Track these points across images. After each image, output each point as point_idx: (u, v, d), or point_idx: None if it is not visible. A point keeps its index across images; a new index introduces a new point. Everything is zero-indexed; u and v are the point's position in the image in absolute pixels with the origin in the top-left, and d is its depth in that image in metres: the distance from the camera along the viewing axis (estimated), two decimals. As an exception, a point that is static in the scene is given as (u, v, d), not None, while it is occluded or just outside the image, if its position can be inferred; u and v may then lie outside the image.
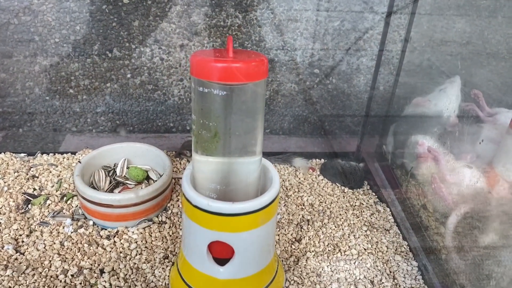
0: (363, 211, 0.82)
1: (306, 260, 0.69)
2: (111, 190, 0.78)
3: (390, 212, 0.82)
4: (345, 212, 0.81)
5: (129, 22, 0.93)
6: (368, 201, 0.85)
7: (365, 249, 0.72)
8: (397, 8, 0.93)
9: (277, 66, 1.02)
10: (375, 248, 0.73)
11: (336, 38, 1.00)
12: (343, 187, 0.89)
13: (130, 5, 0.91)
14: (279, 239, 0.74)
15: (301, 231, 0.76)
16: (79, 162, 0.77)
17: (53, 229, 0.72)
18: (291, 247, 0.72)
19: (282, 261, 0.69)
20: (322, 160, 0.99)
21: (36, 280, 0.62)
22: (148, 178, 0.82)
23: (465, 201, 0.75)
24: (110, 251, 0.68)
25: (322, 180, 0.91)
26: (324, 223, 0.78)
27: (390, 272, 0.68)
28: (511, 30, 1.02)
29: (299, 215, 0.80)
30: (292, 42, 0.99)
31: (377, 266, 0.69)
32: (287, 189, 0.87)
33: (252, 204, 0.51)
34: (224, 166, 0.53)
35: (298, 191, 0.86)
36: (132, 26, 0.94)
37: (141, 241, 0.70)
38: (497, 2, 0.94)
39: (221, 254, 0.56)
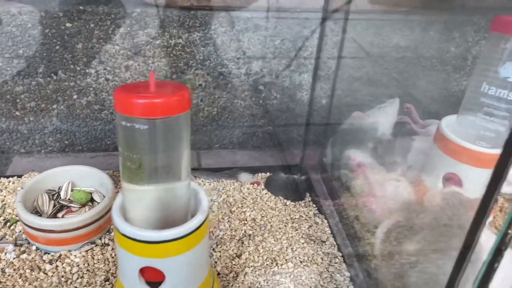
0: (302, 224, 0.86)
1: (244, 276, 0.72)
2: (55, 214, 0.79)
3: (328, 224, 0.87)
4: (285, 226, 0.85)
5: (73, 45, 0.95)
6: (308, 213, 0.90)
7: (301, 262, 0.76)
8: (332, 24, 0.97)
9: (223, 84, 1.05)
10: (310, 260, 0.77)
11: (278, 56, 1.04)
12: (285, 200, 0.93)
13: (73, 28, 0.93)
14: (220, 256, 0.77)
15: (242, 246, 0.79)
16: (21, 188, 0.78)
17: (-6, 256, 0.73)
18: (232, 262, 0.75)
19: (222, 277, 0.72)
20: (268, 174, 1.02)
21: (-26, 309, 0.63)
22: (92, 200, 0.84)
23: (393, 213, 0.80)
24: (52, 276, 0.69)
25: (266, 194, 0.95)
26: (264, 237, 0.82)
27: (324, 283, 0.72)
28: (442, 44, 1.09)
29: (241, 230, 0.83)
30: (236, 60, 1.02)
31: (311, 278, 0.73)
32: (231, 204, 0.90)
33: (179, 230, 0.54)
34: (152, 194, 0.56)
35: (242, 206, 0.90)
36: (76, 48, 0.95)
37: (83, 264, 0.72)
38: (428, 19, 1.00)
39: (154, 277, 0.58)
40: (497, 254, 0.39)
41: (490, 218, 0.83)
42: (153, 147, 0.52)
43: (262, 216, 0.87)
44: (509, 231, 0.40)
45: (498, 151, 0.73)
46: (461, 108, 0.80)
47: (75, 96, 1.01)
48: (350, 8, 0.91)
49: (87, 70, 0.98)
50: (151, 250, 0.54)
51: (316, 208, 0.92)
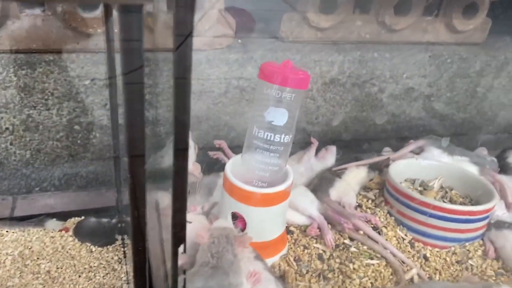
0: (98, 272, 0.84)
1: None
2: None
3: (126, 270, 0.86)
4: (79, 276, 0.83)
5: None
6: (110, 259, 0.88)
7: (83, 316, 0.74)
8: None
9: (33, 126, 1.01)
10: (94, 313, 0.75)
11: (90, 95, 1.02)
12: (92, 247, 0.91)
13: None
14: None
15: (25, 304, 0.75)
16: None
17: None
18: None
19: None
20: (82, 218, 0.99)
21: None
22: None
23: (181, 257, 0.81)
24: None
25: (71, 241, 0.92)
26: (54, 292, 0.78)
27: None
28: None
29: (32, 285, 0.80)
30: (45, 102, 0.99)
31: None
32: (26, 257, 0.86)
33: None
34: None
35: (38, 258, 0.86)
36: None
37: None
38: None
39: None
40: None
41: (284, 251, 0.86)
42: None
43: (58, 268, 0.84)
44: None
45: (268, 191, 0.76)
46: (243, 149, 0.84)
47: None
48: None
49: None
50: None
51: (123, 252, 0.90)
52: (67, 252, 0.89)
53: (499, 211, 1.01)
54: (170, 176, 0.45)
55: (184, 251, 0.44)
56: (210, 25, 1.04)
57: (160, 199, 0.86)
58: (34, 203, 1.05)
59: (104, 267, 0.86)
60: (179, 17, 0.30)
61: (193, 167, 0.96)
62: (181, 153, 0.40)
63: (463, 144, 1.34)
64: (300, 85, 0.78)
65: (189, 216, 0.84)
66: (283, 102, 0.77)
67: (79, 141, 1.07)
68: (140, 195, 0.40)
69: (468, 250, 0.92)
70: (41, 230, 0.94)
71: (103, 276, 0.84)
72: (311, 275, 0.83)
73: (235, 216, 0.83)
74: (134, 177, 0.39)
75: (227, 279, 0.67)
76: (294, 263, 0.85)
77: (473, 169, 1.11)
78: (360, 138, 1.32)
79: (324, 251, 0.88)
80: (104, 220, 0.97)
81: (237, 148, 1.04)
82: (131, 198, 0.40)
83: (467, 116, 1.42)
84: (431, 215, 0.89)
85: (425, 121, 1.37)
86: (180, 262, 0.78)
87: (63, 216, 0.98)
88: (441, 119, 1.39)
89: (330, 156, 1.10)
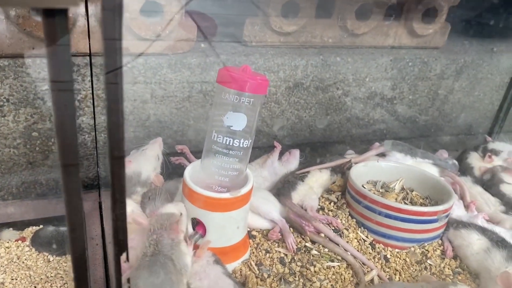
0: (56, 282, 0.82)
1: None
2: None
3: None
4: (34, 287, 0.80)
5: None
6: (69, 268, 0.86)
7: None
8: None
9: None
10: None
11: (47, 102, 1.00)
12: (49, 256, 0.88)
13: None
14: None
15: (-24, 318, 0.73)
16: None
17: None
18: None
19: None
20: (40, 227, 0.97)
21: None
22: None
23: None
24: None
25: (28, 251, 0.89)
26: (8, 304, 0.76)
27: None
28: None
29: (-16, 297, 0.77)
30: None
31: None
32: (-22, 269, 0.83)
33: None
34: None
35: (-9, 270, 0.83)
36: None
37: None
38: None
39: None
40: None
41: (246, 256, 0.86)
42: None
43: (12, 279, 0.82)
44: None
45: (227, 196, 0.76)
46: (203, 154, 0.83)
47: None
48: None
49: None
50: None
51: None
52: (22, 262, 0.87)
53: (458, 211, 1.03)
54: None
55: (127, 259, 0.44)
56: (171, 29, 1.03)
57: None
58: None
59: (61, 276, 0.84)
60: (106, 20, 0.30)
61: (155, 178, 0.95)
62: (117, 161, 0.39)
63: (426, 146, 1.37)
64: (258, 90, 0.78)
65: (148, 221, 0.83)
66: (241, 107, 0.77)
67: (37, 148, 1.05)
68: (76, 203, 0.39)
69: (427, 250, 0.93)
70: (-4, 241, 0.91)
71: (60, 286, 0.82)
72: (273, 279, 0.83)
73: (195, 222, 0.82)
74: (68, 186, 0.38)
75: (171, 262, 0.67)
76: (256, 268, 0.85)
77: (434, 171, 1.13)
78: (325, 141, 1.34)
79: (286, 255, 0.88)
80: (63, 228, 0.94)
81: (201, 153, 1.03)
82: (67, 207, 0.39)
83: (429, 118, 1.45)
84: (390, 216, 0.90)
85: (388, 123, 1.39)
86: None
87: (20, 225, 0.96)
88: (404, 121, 1.42)
89: (293, 159, 1.10)
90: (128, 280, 0.53)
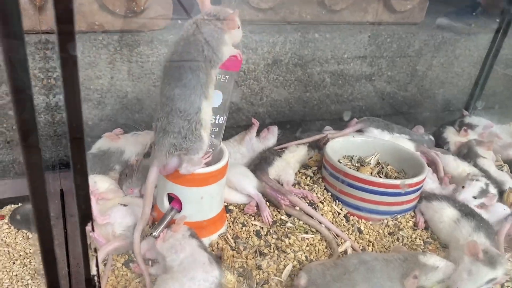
0: (34, 258, 0.83)
1: None
2: None
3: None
4: (13, 263, 0.82)
5: None
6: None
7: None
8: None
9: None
10: (28, 299, 0.75)
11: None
12: (28, 233, 0.89)
13: None
14: None
15: (-46, 293, 0.74)
16: None
17: None
18: None
19: None
20: (19, 205, 0.98)
21: None
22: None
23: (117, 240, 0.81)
24: None
25: (7, 229, 0.90)
26: (-13, 279, 0.77)
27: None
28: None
29: (-37, 274, 0.78)
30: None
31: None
32: (-44, 247, 0.84)
33: None
34: None
35: (-32, 247, 0.84)
36: None
37: None
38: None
39: None
40: None
41: (223, 230, 0.86)
42: None
43: (-9, 255, 0.83)
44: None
45: (202, 170, 0.77)
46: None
47: None
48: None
49: None
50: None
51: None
52: (1, 239, 0.87)
53: (432, 185, 1.06)
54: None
55: (92, 229, 0.45)
56: (146, 6, 1.02)
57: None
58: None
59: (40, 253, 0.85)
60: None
61: (134, 161, 0.96)
62: (76, 142, 0.40)
63: (405, 122, 1.39)
64: (232, 67, 0.79)
65: (126, 199, 0.85)
66: (217, 84, 0.78)
67: (14, 127, 1.04)
68: (40, 183, 0.40)
69: (399, 222, 0.96)
70: (-26, 219, 0.92)
71: (39, 262, 0.83)
72: (248, 251, 0.85)
73: (171, 198, 0.84)
74: (29, 165, 0.39)
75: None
76: (232, 241, 0.87)
77: (410, 146, 1.15)
78: (304, 118, 1.35)
79: (262, 228, 0.90)
80: (41, 206, 0.95)
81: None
82: (30, 187, 0.40)
83: (408, 94, 1.47)
84: (361, 188, 0.93)
85: (367, 100, 1.41)
86: (113, 245, 0.78)
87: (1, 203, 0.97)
88: (383, 97, 1.43)
89: (271, 136, 1.12)
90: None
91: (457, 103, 1.54)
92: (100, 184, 0.89)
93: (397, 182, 0.93)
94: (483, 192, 1.00)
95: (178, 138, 0.73)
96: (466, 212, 0.91)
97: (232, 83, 0.81)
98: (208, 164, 0.81)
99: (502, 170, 1.20)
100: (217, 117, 0.80)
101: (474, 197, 0.99)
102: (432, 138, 1.26)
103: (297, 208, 0.93)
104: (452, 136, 1.29)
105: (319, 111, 1.36)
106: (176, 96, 0.72)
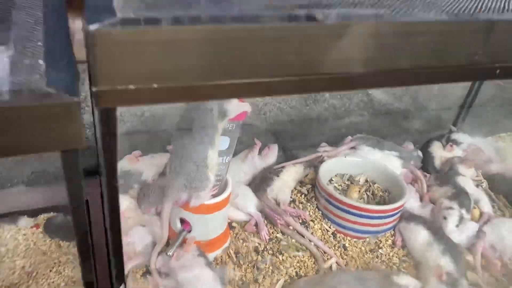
0: (67, 266, 0.99)
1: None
2: None
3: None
4: (50, 271, 0.97)
5: None
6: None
7: (55, 307, 0.89)
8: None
9: None
10: (64, 304, 0.90)
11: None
12: (60, 242, 1.04)
13: None
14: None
15: (4, 298, 0.90)
16: None
17: None
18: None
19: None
20: (52, 214, 1.12)
21: None
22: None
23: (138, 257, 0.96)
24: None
25: (42, 238, 1.05)
26: (29, 285, 0.93)
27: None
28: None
29: (9, 280, 0.94)
30: None
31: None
32: (2, 255, 0.99)
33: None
34: None
35: (13, 255, 1.00)
36: None
37: None
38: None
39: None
40: None
41: (227, 244, 1.01)
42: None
43: (31, 264, 0.98)
44: None
45: (210, 202, 0.91)
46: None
47: None
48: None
49: None
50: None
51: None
52: (38, 248, 1.03)
53: (414, 203, 1.19)
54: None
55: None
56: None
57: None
58: (5, 201, 1.16)
59: (71, 261, 1.01)
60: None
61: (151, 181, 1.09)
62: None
63: (398, 136, 1.48)
64: (238, 117, 0.91)
65: (144, 218, 0.99)
66: (225, 131, 0.90)
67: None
68: (79, 191, 0.48)
69: (380, 240, 1.10)
70: (13, 228, 1.06)
71: (71, 270, 0.98)
72: (247, 265, 1.00)
73: (182, 220, 0.98)
74: (69, 174, 0.46)
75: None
76: (234, 255, 1.02)
77: (398, 164, 1.27)
78: (304, 132, 1.46)
79: (260, 244, 1.05)
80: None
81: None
82: (70, 196, 0.49)
83: (402, 105, 1.57)
84: (347, 211, 1.06)
85: (364, 116, 1.51)
86: (135, 263, 0.93)
87: (36, 213, 1.10)
88: (378, 111, 1.54)
89: (272, 154, 1.24)
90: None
91: (449, 117, 1.62)
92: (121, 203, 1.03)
93: (378, 208, 1.06)
94: (461, 218, 1.11)
95: (188, 179, 0.86)
96: (438, 235, 1.05)
97: (238, 130, 0.93)
98: (215, 194, 0.94)
99: (481, 186, 1.32)
100: (224, 158, 0.93)
101: (457, 226, 1.10)
102: (420, 154, 1.37)
103: (291, 227, 1.08)
104: (438, 151, 1.39)
105: (318, 126, 1.47)
106: (186, 145, 0.85)
